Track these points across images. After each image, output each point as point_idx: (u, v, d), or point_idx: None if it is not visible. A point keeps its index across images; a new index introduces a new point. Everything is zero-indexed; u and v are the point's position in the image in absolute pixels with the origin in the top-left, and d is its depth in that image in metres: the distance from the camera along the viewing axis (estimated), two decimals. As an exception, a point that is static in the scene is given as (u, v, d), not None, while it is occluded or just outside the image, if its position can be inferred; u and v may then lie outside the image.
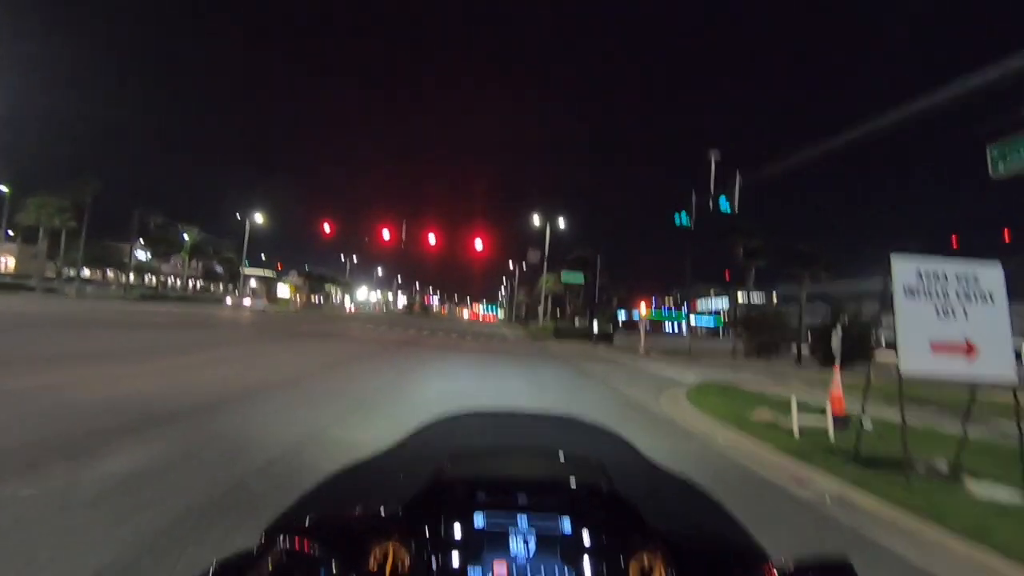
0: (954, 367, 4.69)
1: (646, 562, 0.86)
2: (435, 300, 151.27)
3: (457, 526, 0.88)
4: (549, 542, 0.89)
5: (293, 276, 60.50)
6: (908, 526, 3.69)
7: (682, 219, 16.37)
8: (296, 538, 0.81)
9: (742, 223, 30.52)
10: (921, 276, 4.82)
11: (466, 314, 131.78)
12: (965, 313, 4.74)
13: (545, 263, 40.01)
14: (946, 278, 4.83)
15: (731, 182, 15.43)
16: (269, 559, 0.77)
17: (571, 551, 0.88)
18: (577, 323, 42.27)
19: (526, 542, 0.88)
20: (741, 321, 32.34)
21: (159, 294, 47.36)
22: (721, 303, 73.78)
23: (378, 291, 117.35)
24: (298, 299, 61.61)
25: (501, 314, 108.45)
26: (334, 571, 0.78)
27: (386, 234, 30.48)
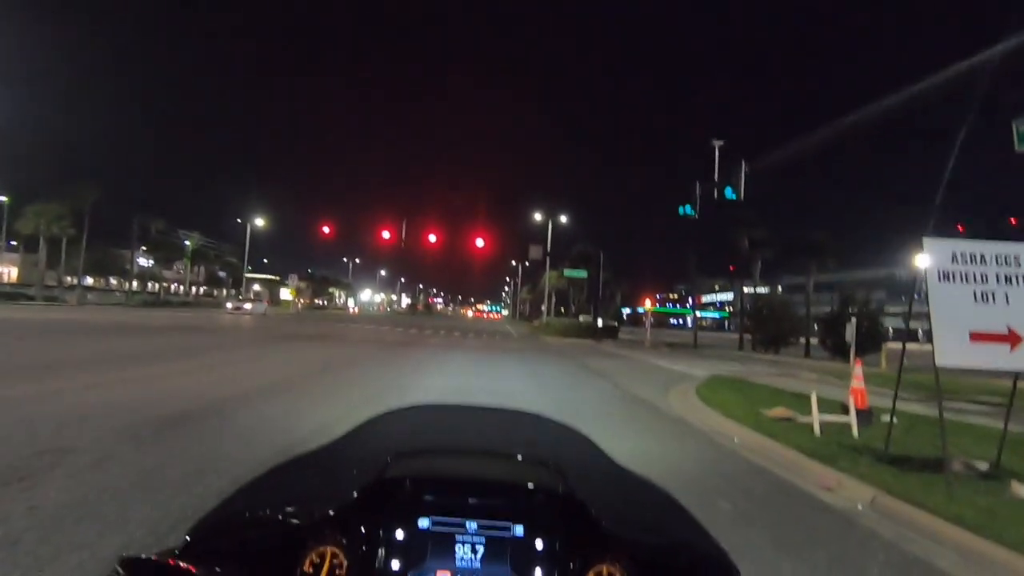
0: (995, 358, 4.26)
1: (605, 573, 0.80)
2: (438, 300, 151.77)
3: (399, 530, 0.82)
4: (499, 548, 0.82)
5: (294, 280, 60.36)
6: (961, 541, 3.26)
7: (686, 210, 15.97)
8: (223, 539, 0.78)
9: (746, 214, 30.14)
10: (957, 258, 4.38)
11: (470, 313, 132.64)
12: (1007, 298, 4.30)
13: (548, 260, 39.59)
14: (984, 260, 4.39)
15: (736, 170, 15.11)
16: (190, 561, 0.72)
17: (523, 559, 0.81)
18: (582, 319, 41.89)
19: (474, 548, 0.82)
20: (749, 313, 31.95)
21: (161, 300, 47.19)
22: (726, 297, 73.44)
23: (381, 293, 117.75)
24: (300, 302, 61.57)
25: (505, 312, 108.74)
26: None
27: (386, 234, 30.30)
